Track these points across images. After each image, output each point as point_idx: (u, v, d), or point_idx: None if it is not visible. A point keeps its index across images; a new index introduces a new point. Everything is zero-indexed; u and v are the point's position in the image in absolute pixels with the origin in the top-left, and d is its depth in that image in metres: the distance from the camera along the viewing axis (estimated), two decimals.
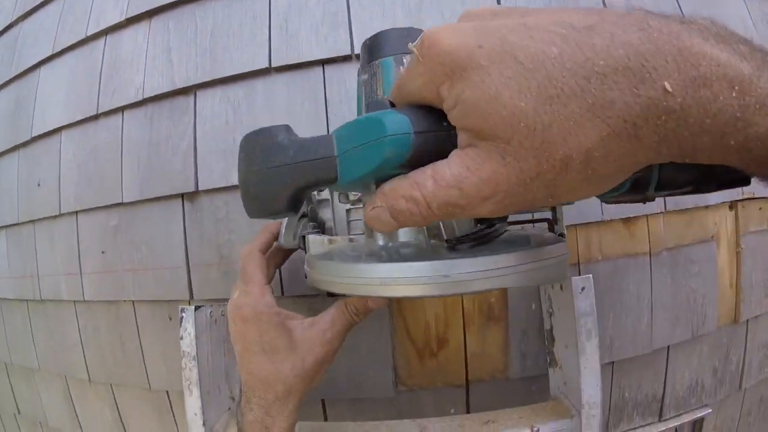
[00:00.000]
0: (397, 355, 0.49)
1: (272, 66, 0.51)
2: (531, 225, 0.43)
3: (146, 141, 0.56)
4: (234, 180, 0.50)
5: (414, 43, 0.18)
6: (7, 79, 0.76)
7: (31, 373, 0.78)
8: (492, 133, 0.16)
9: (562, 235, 0.37)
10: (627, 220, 0.51)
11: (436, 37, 0.17)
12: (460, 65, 0.16)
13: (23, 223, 0.70)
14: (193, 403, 0.48)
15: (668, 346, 0.53)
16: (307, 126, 0.50)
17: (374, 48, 0.31)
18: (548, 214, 0.40)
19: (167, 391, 0.59)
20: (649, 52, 0.14)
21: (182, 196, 0.53)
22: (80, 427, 0.73)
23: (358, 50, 0.50)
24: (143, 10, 0.60)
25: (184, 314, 0.48)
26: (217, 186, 0.51)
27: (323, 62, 0.51)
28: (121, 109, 0.58)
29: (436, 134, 0.19)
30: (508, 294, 0.50)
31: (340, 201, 0.42)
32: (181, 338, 0.49)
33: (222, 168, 0.51)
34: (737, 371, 0.57)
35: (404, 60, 0.30)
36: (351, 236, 0.41)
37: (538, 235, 0.33)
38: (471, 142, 0.17)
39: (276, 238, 0.39)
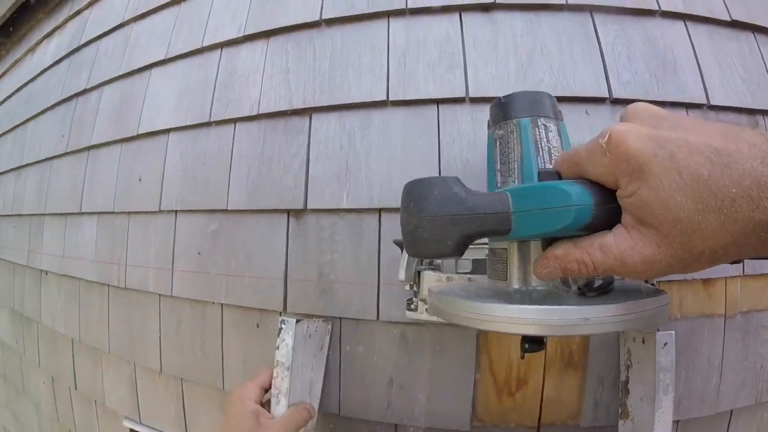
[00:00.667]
0: (477, 389, 0.50)
1: (389, 99, 0.54)
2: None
3: (258, 154, 0.59)
4: (344, 204, 0.52)
5: (603, 138, 0.23)
6: (116, 75, 0.82)
7: (99, 354, 0.82)
8: (656, 226, 0.22)
9: (652, 284, 0.39)
10: (706, 281, 0.52)
11: (625, 138, 0.22)
12: (640, 167, 0.21)
13: (118, 213, 0.74)
14: (279, 412, 0.49)
15: (731, 410, 0.53)
16: (419, 162, 0.51)
17: (510, 107, 0.35)
18: None
19: None
20: (766, 185, 0.19)
21: (289, 212, 0.56)
22: (138, 413, 0.76)
23: (471, 93, 0.52)
24: (261, 30, 0.64)
25: (284, 325, 0.50)
26: (327, 207, 0.53)
27: (438, 102, 0.53)
28: (234, 121, 0.62)
29: (607, 208, 0.24)
30: (589, 342, 0.50)
31: None
32: (277, 348, 0.51)
33: (332, 190, 0.53)
34: None
35: (539, 122, 0.34)
36: (466, 275, 0.42)
37: (642, 287, 0.36)
38: (635, 226, 0.23)
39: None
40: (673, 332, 0.45)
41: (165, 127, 0.69)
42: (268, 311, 0.57)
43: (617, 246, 0.23)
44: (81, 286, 0.83)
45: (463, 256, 0.44)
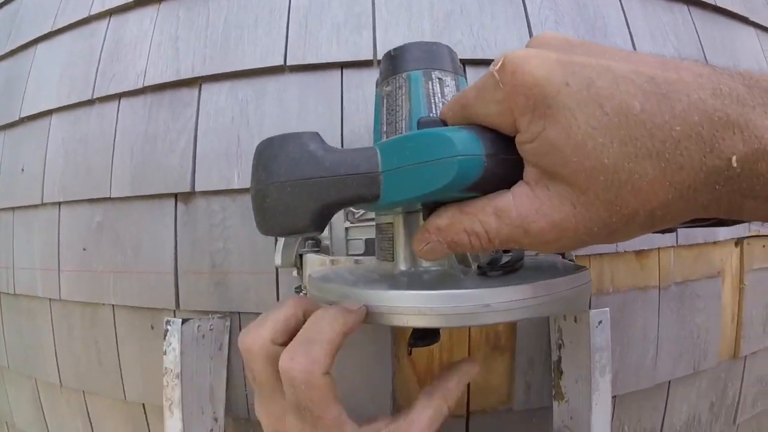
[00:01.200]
0: (397, 380, 0.46)
1: (287, 64, 0.48)
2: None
3: (142, 132, 0.52)
4: (235, 184, 0.46)
5: (495, 66, 0.17)
6: (2, 54, 0.72)
7: (1, 372, 0.73)
8: (569, 179, 0.16)
9: (571, 260, 0.36)
10: (639, 253, 0.51)
11: (522, 65, 0.16)
12: (546, 100, 0.16)
13: (3, 209, 0.65)
14: (173, 424, 0.44)
15: (669, 381, 0.52)
16: (320, 131, 0.46)
17: (400, 60, 0.29)
18: None
19: (143, 404, 0.55)
20: (720, 121, 0.15)
21: (176, 196, 0.49)
22: (47, 430, 0.68)
23: (380, 55, 0.47)
24: None
25: (169, 327, 0.44)
26: (216, 188, 0.47)
27: (342, 65, 0.48)
28: (119, 97, 0.55)
29: (504, 160, 0.19)
30: (517, 323, 0.47)
31: (346, 219, 0.39)
32: (165, 353, 0.45)
33: (222, 169, 0.47)
34: (732, 406, 0.58)
35: (433, 75, 0.29)
36: (355, 257, 0.37)
37: (558, 263, 0.32)
38: (540, 181, 0.17)
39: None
40: (608, 309, 0.42)
41: (47, 109, 0.61)
42: (160, 310, 0.50)
43: (517, 209, 0.18)
44: None
45: (356, 236, 0.39)
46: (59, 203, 0.57)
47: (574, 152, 0.16)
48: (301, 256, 0.38)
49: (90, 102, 0.56)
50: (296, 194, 0.20)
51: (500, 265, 0.25)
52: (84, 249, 0.54)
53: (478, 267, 0.25)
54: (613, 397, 0.49)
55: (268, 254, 0.45)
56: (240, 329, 0.47)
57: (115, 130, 0.53)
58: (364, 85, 0.47)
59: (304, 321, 0.24)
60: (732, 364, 0.56)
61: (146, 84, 0.52)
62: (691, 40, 0.56)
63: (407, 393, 0.46)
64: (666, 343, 0.51)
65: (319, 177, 0.20)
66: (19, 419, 0.74)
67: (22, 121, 0.64)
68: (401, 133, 0.28)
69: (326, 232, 0.40)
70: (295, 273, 0.40)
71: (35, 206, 0.60)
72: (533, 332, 0.47)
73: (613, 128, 0.15)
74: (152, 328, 0.52)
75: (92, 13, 0.61)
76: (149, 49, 0.54)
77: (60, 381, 0.61)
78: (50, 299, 0.59)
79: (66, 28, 0.64)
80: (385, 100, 0.30)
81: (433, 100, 0.28)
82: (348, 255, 0.39)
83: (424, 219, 0.22)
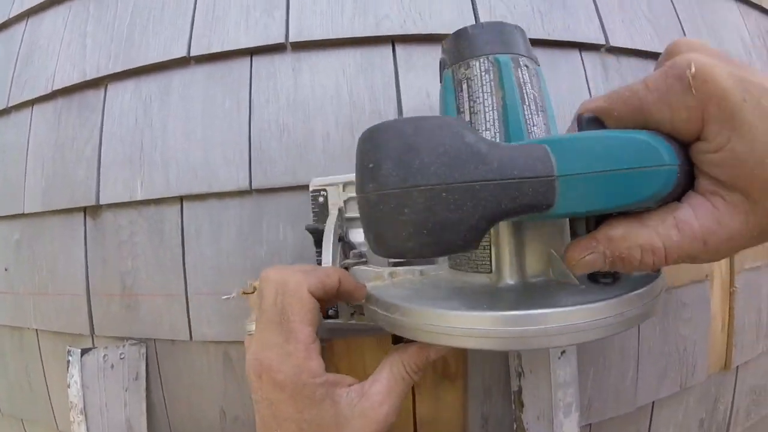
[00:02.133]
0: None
1: (191, 55, 0.43)
2: None
3: (53, 142, 0.48)
4: (139, 195, 0.42)
5: (690, 70, 0.17)
6: None
7: None
8: (745, 191, 0.17)
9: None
10: None
11: (712, 73, 0.17)
12: (732, 113, 0.16)
13: None
14: None
15: (653, 402, 0.46)
16: (223, 130, 0.41)
17: (482, 40, 0.25)
18: None
19: None
20: None
21: (85, 210, 0.45)
22: None
23: (293, 37, 0.41)
24: None
25: (70, 357, 0.40)
26: (120, 200, 0.42)
27: (251, 52, 0.42)
28: (32, 103, 0.51)
29: (687, 170, 0.18)
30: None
31: None
32: (68, 386, 0.41)
33: (126, 179, 0.42)
34: (724, 421, 0.52)
35: (521, 62, 0.25)
36: (419, 268, 0.30)
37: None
38: (716, 192, 0.18)
39: (339, 284, 0.26)
40: None
41: None
42: (77, 336, 0.46)
43: (699, 220, 0.18)
44: None
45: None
46: None
47: (756, 165, 0.16)
48: (345, 269, 0.32)
49: (6, 111, 0.53)
50: (456, 203, 0.16)
51: (612, 271, 0.22)
52: (6, 269, 0.51)
53: (590, 276, 0.22)
54: (589, 425, 0.43)
55: (177, 274, 0.41)
56: (157, 357, 0.43)
57: (28, 140, 0.50)
58: (277, 73, 0.41)
59: (338, 289, 0.25)
60: (723, 377, 0.50)
61: (55, 88, 0.48)
62: (665, 7, 0.48)
63: None
64: (648, 360, 0.44)
65: (487, 181, 0.16)
66: None
67: None
68: (493, 126, 0.24)
69: (361, 235, 0.34)
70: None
71: None
72: (488, 357, 0.41)
73: None
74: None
75: (11, 15, 0.57)
76: (59, 50, 0.50)
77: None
78: None
79: None
80: (464, 85, 0.26)
81: (525, 90, 0.25)
82: (389, 263, 0.32)
83: (589, 228, 0.21)
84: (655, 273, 0.23)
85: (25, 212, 0.48)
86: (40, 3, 0.54)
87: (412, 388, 0.40)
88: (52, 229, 0.47)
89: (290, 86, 0.41)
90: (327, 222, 0.33)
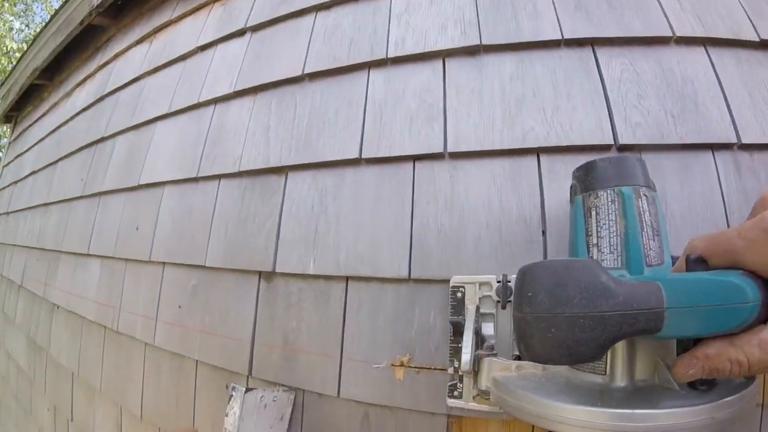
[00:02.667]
0: None
1: (362, 157, 0.52)
2: None
3: (236, 212, 0.60)
4: (311, 270, 0.52)
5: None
6: (128, 126, 0.88)
7: (93, 391, 0.85)
8: None
9: None
10: None
11: None
12: None
13: (117, 258, 0.78)
14: None
15: None
16: (390, 225, 0.49)
17: (609, 173, 0.31)
18: None
19: None
20: None
21: (260, 273, 0.56)
22: None
23: (450, 147, 0.49)
24: (250, 85, 0.67)
25: (234, 393, 0.50)
26: (294, 272, 0.53)
27: (414, 158, 0.50)
28: (219, 177, 0.64)
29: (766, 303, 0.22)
30: None
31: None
32: (226, 415, 0.50)
33: (300, 254, 0.53)
34: None
35: (641, 192, 0.31)
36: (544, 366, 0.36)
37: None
38: None
39: None
40: None
41: (161, 180, 0.73)
42: (235, 373, 0.57)
43: None
44: (83, 323, 0.88)
45: None
46: (164, 263, 0.68)
47: None
48: (477, 359, 0.37)
49: (195, 179, 0.67)
50: (590, 327, 0.22)
51: (708, 380, 0.26)
52: (179, 306, 0.64)
53: (691, 383, 0.26)
54: None
55: (335, 339, 0.50)
56: (303, 405, 0.52)
57: (214, 207, 0.63)
58: (436, 178, 0.49)
59: None
60: None
61: (242, 169, 0.62)
62: None
63: None
64: None
65: (614, 312, 0.22)
66: None
67: (140, 187, 0.77)
68: (616, 250, 0.30)
69: (491, 329, 0.41)
70: (451, 369, 0.41)
71: (144, 262, 0.71)
72: None
73: None
74: (227, 387, 0.58)
75: (201, 99, 0.73)
76: (245, 137, 0.64)
77: (141, 414, 0.70)
78: (145, 343, 0.70)
79: (180, 111, 0.77)
80: (593, 212, 0.32)
81: (643, 218, 0.30)
82: (515, 357, 0.38)
83: (686, 348, 0.25)
84: (749, 381, 0.28)
85: (206, 265, 0.61)
86: (226, 94, 0.70)
87: None
88: (228, 282, 0.59)
89: (448, 190, 0.48)
90: (466, 317, 0.40)
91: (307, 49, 0.63)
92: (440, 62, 0.54)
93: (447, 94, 0.52)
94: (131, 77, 0.96)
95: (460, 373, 0.40)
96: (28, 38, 7.44)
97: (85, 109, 1.14)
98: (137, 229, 0.75)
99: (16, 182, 1.63)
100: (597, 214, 0.31)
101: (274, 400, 0.51)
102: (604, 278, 0.23)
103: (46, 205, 1.19)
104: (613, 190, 0.31)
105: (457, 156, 0.49)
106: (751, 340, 0.23)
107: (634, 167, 0.32)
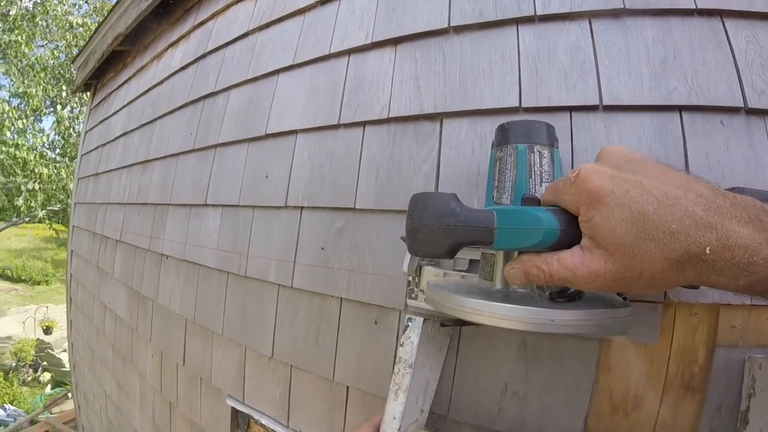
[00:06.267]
0: (592, 406, 0.51)
1: (522, 106, 0.57)
2: None
3: (387, 156, 0.65)
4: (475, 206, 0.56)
5: (573, 173, 0.31)
6: (243, 80, 0.95)
7: (210, 336, 0.94)
8: (605, 246, 0.29)
9: (624, 298, 0.45)
10: None
11: (589, 176, 0.30)
12: (598, 199, 0.29)
13: (243, 206, 0.86)
14: (396, 407, 0.53)
15: None
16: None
17: (511, 133, 0.42)
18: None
19: (348, 387, 0.68)
20: (703, 226, 0.26)
21: None
22: (243, 394, 0.86)
23: (606, 101, 0.54)
24: (389, 37, 0.71)
25: (410, 323, 0.55)
26: None
27: (570, 109, 0.55)
28: (363, 124, 0.69)
29: (570, 234, 0.32)
30: (713, 366, 0.49)
31: None
32: (401, 345, 0.56)
33: (463, 193, 0.57)
34: None
35: (535, 149, 0.41)
36: (462, 272, 0.52)
37: (614, 299, 0.42)
38: (589, 247, 0.31)
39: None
40: None
41: (292, 128, 0.79)
42: (387, 308, 0.62)
43: (571, 260, 0.31)
44: (200, 271, 0.97)
45: (461, 256, 0.54)
46: (301, 207, 0.74)
47: (609, 232, 0.29)
48: (420, 267, 0.54)
49: (335, 126, 0.72)
50: (439, 234, 0.34)
51: (566, 294, 0.37)
52: (322, 248, 0.70)
53: (550, 294, 0.37)
54: None
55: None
56: (460, 335, 0.57)
57: (360, 152, 0.68)
58: (591, 128, 0.54)
59: None
60: None
61: (391, 115, 0.66)
62: None
63: (599, 420, 0.51)
64: None
65: (455, 225, 0.33)
66: (216, 378, 0.94)
67: (268, 136, 0.83)
68: (507, 191, 0.42)
69: None
70: (410, 278, 0.55)
71: (277, 207, 0.78)
72: (726, 378, 0.49)
73: (634, 221, 0.28)
74: (375, 323, 0.64)
75: (332, 51, 0.78)
76: (391, 85, 0.68)
77: (272, 353, 0.78)
78: (280, 285, 0.77)
79: (306, 63, 0.82)
80: (498, 163, 0.43)
81: (533, 169, 0.41)
82: (454, 270, 0.52)
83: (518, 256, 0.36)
84: (621, 305, 0.37)
85: (356, 207, 0.66)
86: (362, 45, 0.74)
87: (662, 393, 0.50)
88: (381, 223, 0.65)
89: (603, 140, 0.53)
90: None
91: (449, 4, 0.66)
92: (587, 22, 0.58)
93: (597, 52, 0.56)
94: (239, 33, 1.02)
95: (415, 280, 0.55)
96: (87, 13, 7.90)
97: (183, 68, 1.22)
98: (267, 176, 0.81)
99: (104, 144, 1.77)
100: (499, 164, 0.42)
101: (439, 331, 0.56)
102: (453, 205, 0.34)
103: (145, 162, 1.30)
104: (512, 146, 0.41)
105: (610, 109, 0.54)
106: (552, 255, 0.32)
107: (533, 129, 0.42)
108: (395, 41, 0.71)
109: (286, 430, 0.78)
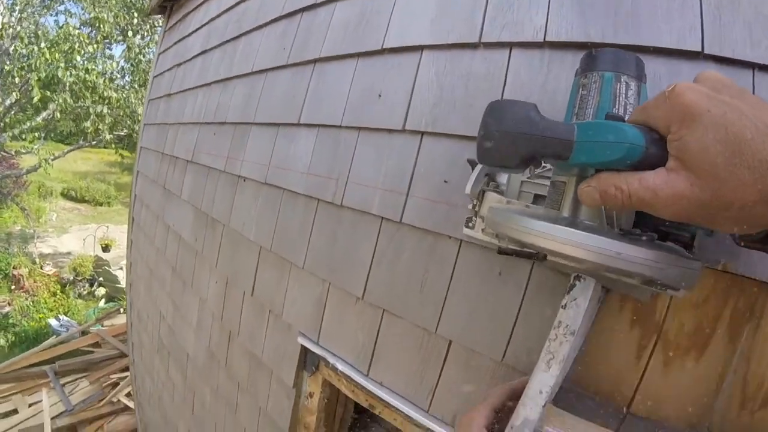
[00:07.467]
0: (720, 398, 0.47)
1: (704, 52, 0.50)
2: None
3: (539, 85, 0.58)
4: None
5: (668, 88, 0.29)
6: None
7: (288, 267, 0.92)
8: (692, 169, 0.28)
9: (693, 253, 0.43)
10: None
11: (683, 92, 0.28)
12: (691, 118, 0.28)
13: (346, 127, 0.80)
14: (546, 379, 0.43)
15: None
16: None
17: (599, 60, 0.41)
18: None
19: (450, 341, 0.63)
20: None
21: None
22: (318, 334, 0.84)
23: None
24: None
25: (578, 283, 0.46)
26: None
27: (754, 66, 0.48)
28: (510, 45, 0.61)
29: (657, 154, 0.30)
30: None
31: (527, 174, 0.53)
32: (564, 307, 0.46)
33: None
34: None
35: (622, 78, 0.39)
36: (527, 204, 0.53)
37: (681, 251, 0.39)
38: (675, 169, 0.29)
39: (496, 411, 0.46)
40: None
41: (417, 44, 0.71)
42: (518, 260, 0.56)
43: (654, 180, 0.29)
44: (284, 196, 0.93)
45: (527, 190, 0.54)
46: (422, 132, 0.67)
47: (700, 153, 0.27)
48: (483, 192, 0.53)
49: (474, 45, 0.64)
50: (515, 141, 0.32)
51: (634, 231, 0.36)
52: (445, 182, 0.63)
53: (620, 229, 0.37)
54: None
55: None
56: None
57: (505, 77, 0.60)
58: None
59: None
60: None
61: (547, 39, 0.57)
62: None
63: (725, 414, 0.47)
64: None
65: (533, 134, 0.32)
66: (288, 312, 0.92)
67: (384, 51, 0.76)
68: (587, 117, 0.39)
69: (504, 179, 0.56)
70: (470, 205, 0.55)
71: (390, 131, 0.72)
72: None
73: (729, 144, 0.26)
74: (500, 274, 0.58)
75: None
76: (548, 7, 0.58)
77: (363, 294, 0.74)
78: (383, 218, 0.71)
79: None
80: (580, 90, 0.41)
81: (618, 99, 0.39)
82: (519, 200, 0.53)
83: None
84: (689, 257, 0.35)
85: None
86: None
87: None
88: None
89: None
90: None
91: None
92: None
93: None
94: None
95: (475, 207, 0.56)
96: None
97: None
98: (380, 96, 0.75)
99: (179, 64, 1.75)
100: (582, 91, 0.41)
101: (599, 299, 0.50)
102: (533, 114, 0.33)
103: (225, 80, 1.26)
104: (597, 73, 0.40)
105: None
106: (634, 174, 0.30)
107: (623, 60, 0.40)
108: None
109: (365, 379, 0.74)
